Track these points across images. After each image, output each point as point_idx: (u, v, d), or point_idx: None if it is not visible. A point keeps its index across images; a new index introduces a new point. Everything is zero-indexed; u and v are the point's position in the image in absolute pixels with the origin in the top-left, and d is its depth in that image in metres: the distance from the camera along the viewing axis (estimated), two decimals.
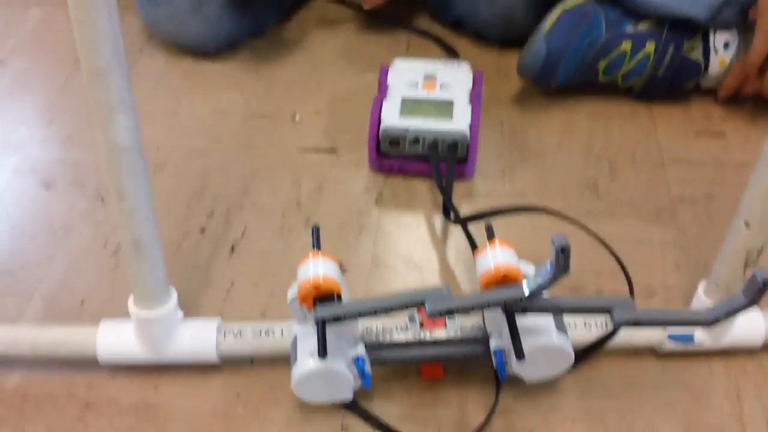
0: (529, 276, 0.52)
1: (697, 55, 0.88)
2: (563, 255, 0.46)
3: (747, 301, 0.50)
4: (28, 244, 0.77)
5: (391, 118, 0.81)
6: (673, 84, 0.90)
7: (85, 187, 0.83)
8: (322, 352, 0.52)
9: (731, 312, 0.51)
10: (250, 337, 0.64)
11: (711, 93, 0.92)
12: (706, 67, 0.88)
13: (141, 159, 0.53)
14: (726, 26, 0.88)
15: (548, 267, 0.48)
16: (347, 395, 0.60)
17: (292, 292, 0.56)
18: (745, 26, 0.88)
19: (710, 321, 0.51)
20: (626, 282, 0.70)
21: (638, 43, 0.87)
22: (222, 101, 0.94)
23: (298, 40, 1.04)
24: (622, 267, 0.71)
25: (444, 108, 0.82)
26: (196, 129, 0.90)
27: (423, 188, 0.83)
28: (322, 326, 0.53)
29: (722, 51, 0.88)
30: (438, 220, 0.80)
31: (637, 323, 0.51)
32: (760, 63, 0.84)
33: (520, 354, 0.51)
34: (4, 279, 0.74)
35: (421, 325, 0.62)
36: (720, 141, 0.88)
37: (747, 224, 0.56)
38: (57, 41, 1.05)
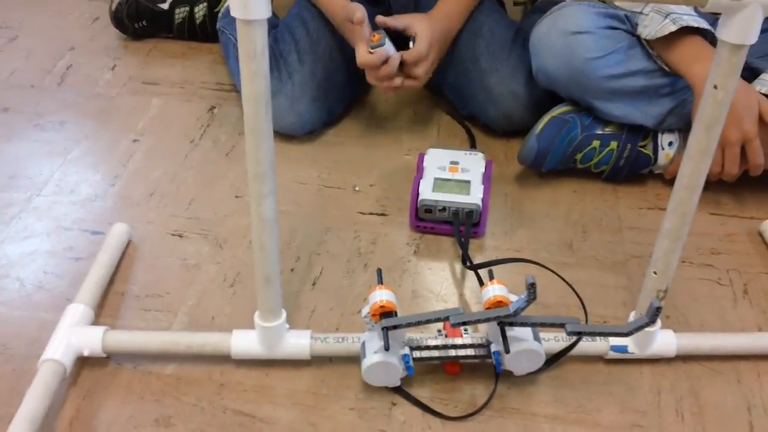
0: (514, 302, 0.83)
1: (648, 150, 1.20)
2: (532, 288, 0.78)
3: (648, 320, 0.81)
4: (171, 276, 1.09)
5: (426, 193, 1.13)
6: (631, 171, 1.22)
7: (207, 237, 1.16)
8: (387, 347, 0.84)
9: (639, 327, 0.82)
10: (331, 342, 0.95)
11: (662, 176, 1.24)
12: (656, 159, 1.21)
13: (276, 225, 0.85)
14: (670, 129, 1.20)
15: (523, 296, 0.80)
16: (396, 382, 0.91)
17: (365, 310, 0.88)
18: (685, 129, 1.20)
19: (626, 333, 0.83)
20: (584, 313, 1.02)
21: (605, 141, 1.19)
22: (301, 175, 1.27)
23: (357, 129, 1.38)
24: (581, 302, 1.02)
25: (464, 186, 1.14)
26: (283, 196, 1.22)
27: (448, 244, 1.15)
28: (386, 331, 0.85)
29: (667, 148, 1.20)
30: (458, 266, 1.11)
31: (580, 333, 0.83)
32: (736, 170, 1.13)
33: (507, 349, 0.83)
34: (156, 300, 1.06)
35: (446, 335, 0.93)
36: (665, 213, 1.20)
37: (655, 273, 0.87)
38: (175, 124, 1.39)
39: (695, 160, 0.78)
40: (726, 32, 0.68)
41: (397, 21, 1.22)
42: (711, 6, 0.67)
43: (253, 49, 0.72)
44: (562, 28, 1.14)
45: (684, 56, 1.08)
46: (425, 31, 1.20)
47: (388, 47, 1.17)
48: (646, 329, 0.89)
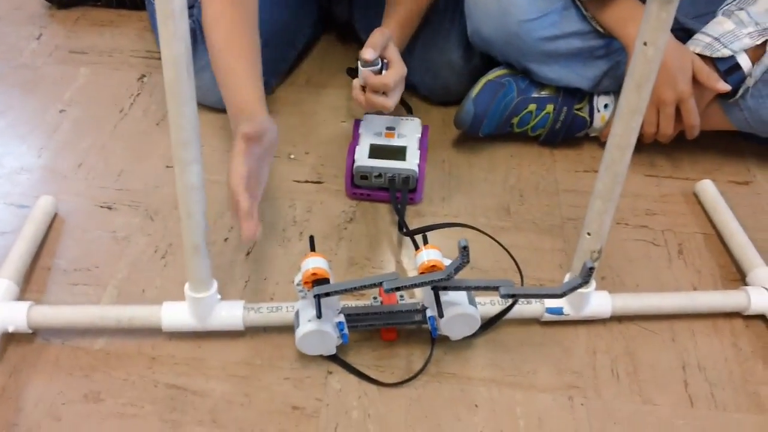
0: (447, 266, 0.82)
1: (584, 113, 1.20)
2: (465, 252, 0.77)
3: (581, 280, 0.81)
4: (99, 249, 1.06)
5: (362, 159, 1.11)
6: (567, 134, 1.22)
7: (138, 208, 1.12)
8: (319, 314, 0.82)
9: (573, 287, 0.82)
10: (265, 312, 0.93)
11: (597, 139, 1.25)
12: (592, 122, 1.21)
13: (203, 192, 0.83)
14: (606, 92, 1.20)
15: (457, 260, 0.79)
16: (332, 350, 0.90)
17: (298, 278, 0.86)
18: (620, 91, 1.19)
19: (560, 294, 0.83)
20: (520, 276, 1.01)
21: (541, 104, 1.19)
22: None
23: (292, 98, 1.35)
24: (517, 266, 1.02)
25: (400, 152, 1.12)
26: (216, 165, 1.18)
27: (385, 211, 1.14)
28: (318, 299, 0.83)
29: (603, 110, 1.20)
30: (394, 233, 1.10)
31: (514, 296, 0.82)
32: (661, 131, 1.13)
33: (441, 314, 0.82)
34: (84, 274, 1.02)
35: (381, 302, 0.92)
36: None
37: (589, 234, 0.87)
38: (104, 93, 1.34)
39: (626, 118, 0.78)
40: None
41: (375, 47, 1.07)
42: None
43: (170, 9, 0.69)
44: None
45: (617, 17, 1.07)
46: (398, 60, 1.10)
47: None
48: (581, 290, 0.90)
